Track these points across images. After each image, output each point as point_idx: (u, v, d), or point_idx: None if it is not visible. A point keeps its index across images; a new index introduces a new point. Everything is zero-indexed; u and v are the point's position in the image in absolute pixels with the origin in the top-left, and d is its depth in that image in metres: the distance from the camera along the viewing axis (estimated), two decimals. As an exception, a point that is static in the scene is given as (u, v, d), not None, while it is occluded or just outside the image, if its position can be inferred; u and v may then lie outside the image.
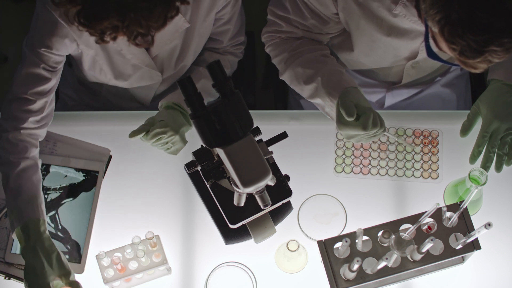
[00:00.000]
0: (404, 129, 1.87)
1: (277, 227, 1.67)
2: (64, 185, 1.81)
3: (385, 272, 1.56)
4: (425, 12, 1.36)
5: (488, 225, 1.42)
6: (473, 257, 1.68)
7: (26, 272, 1.58)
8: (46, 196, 1.79)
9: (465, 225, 1.60)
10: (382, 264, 1.48)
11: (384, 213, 1.77)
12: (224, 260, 1.69)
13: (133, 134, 1.73)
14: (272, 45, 1.85)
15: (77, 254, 1.74)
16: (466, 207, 1.57)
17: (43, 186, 1.73)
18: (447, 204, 1.66)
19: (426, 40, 1.45)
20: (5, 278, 1.72)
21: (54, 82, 1.73)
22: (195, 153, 1.54)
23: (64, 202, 1.80)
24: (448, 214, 1.60)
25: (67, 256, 1.72)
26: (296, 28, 1.80)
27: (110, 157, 1.85)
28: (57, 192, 1.80)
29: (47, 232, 1.63)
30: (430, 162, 1.83)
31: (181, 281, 1.72)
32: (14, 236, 1.64)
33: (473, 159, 1.79)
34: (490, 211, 1.76)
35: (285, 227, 1.71)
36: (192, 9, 1.72)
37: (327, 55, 1.80)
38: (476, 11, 1.27)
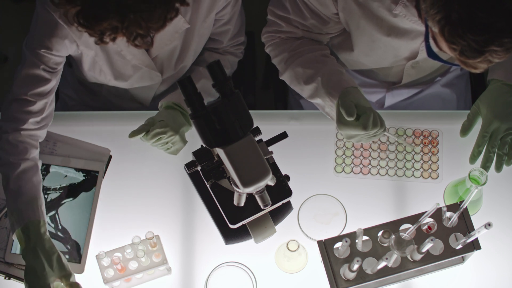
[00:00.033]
0: (404, 129, 1.87)
1: (277, 227, 1.67)
2: (64, 185, 1.81)
3: (385, 272, 1.56)
4: (425, 12, 1.36)
5: (488, 225, 1.42)
6: (473, 257, 1.68)
7: (27, 274, 1.59)
8: (46, 196, 1.79)
9: (465, 225, 1.60)
10: (382, 264, 1.48)
11: (384, 213, 1.77)
12: (224, 260, 1.69)
13: (133, 134, 1.73)
14: (272, 45, 1.85)
15: (77, 254, 1.74)
16: (466, 207, 1.57)
17: (43, 186, 1.73)
18: (447, 204, 1.66)
19: (426, 40, 1.45)
20: (5, 278, 1.72)
21: (54, 83, 1.72)
22: (195, 153, 1.54)
23: (64, 202, 1.80)
24: (448, 214, 1.60)
25: (67, 256, 1.72)
26: (296, 28, 1.80)
27: (110, 157, 1.85)
28: (57, 192, 1.80)
29: (47, 233, 1.63)
30: (430, 162, 1.83)
31: (181, 281, 1.72)
32: (14, 237, 1.64)
33: (473, 159, 1.79)
34: (490, 211, 1.76)
35: (285, 227, 1.71)
36: (192, 10, 1.72)
37: (327, 55, 1.80)
38: (476, 11, 1.27)
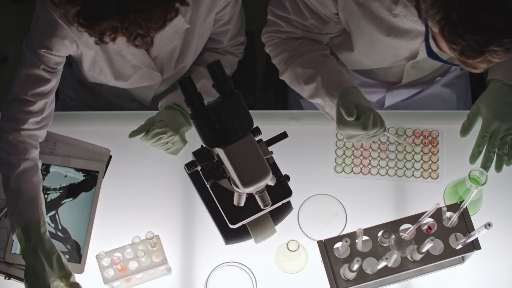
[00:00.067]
0: (404, 129, 1.87)
1: (277, 227, 1.67)
2: (64, 185, 1.81)
3: (385, 272, 1.56)
4: (425, 12, 1.36)
5: (488, 225, 1.42)
6: (473, 257, 1.68)
7: (27, 274, 1.59)
8: (46, 196, 1.79)
9: (465, 225, 1.59)
10: (382, 264, 1.48)
11: (384, 213, 1.77)
12: (224, 260, 1.69)
13: (133, 134, 1.73)
14: (272, 45, 1.85)
15: (77, 254, 1.74)
16: (466, 207, 1.57)
17: (43, 186, 1.73)
18: (447, 204, 1.66)
19: (426, 40, 1.45)
20: (5, 278, 1.72)
21: (54, 83, 1.72)
22: (195, 153, 1.54)
23: (64, 202, 1.80)
24: (448, 214, 1.60)
25: (67, 256, 1.72)
26: (296, 28, 1.80)
27: (110, 157, 1.85)
28: (57, 192, 1.80)
29: (47, 233, 1.63)
30: (430, 162, 1.83)
31: (181, 281, 1.72)
32: (14, 237, 1.64)
33: (473, 159, 1.79)
34: (490, 211, 1.76)
35: (285, 227, 1.71)
36: (192, 10, 1.72)
37: (327, 55, 1.80)
38: (476, 11, 1.27)
